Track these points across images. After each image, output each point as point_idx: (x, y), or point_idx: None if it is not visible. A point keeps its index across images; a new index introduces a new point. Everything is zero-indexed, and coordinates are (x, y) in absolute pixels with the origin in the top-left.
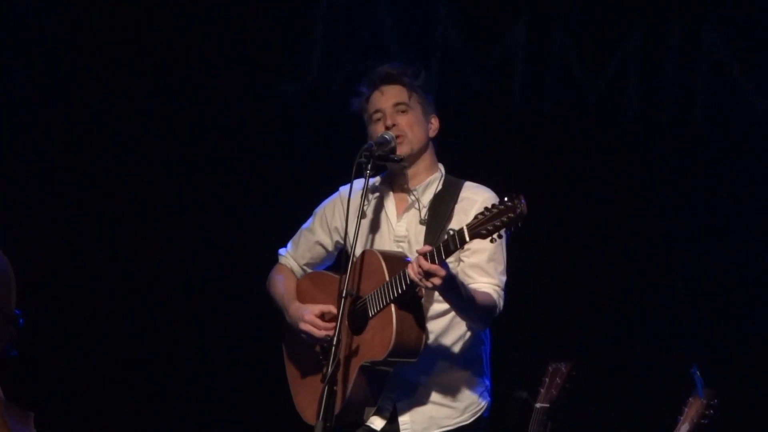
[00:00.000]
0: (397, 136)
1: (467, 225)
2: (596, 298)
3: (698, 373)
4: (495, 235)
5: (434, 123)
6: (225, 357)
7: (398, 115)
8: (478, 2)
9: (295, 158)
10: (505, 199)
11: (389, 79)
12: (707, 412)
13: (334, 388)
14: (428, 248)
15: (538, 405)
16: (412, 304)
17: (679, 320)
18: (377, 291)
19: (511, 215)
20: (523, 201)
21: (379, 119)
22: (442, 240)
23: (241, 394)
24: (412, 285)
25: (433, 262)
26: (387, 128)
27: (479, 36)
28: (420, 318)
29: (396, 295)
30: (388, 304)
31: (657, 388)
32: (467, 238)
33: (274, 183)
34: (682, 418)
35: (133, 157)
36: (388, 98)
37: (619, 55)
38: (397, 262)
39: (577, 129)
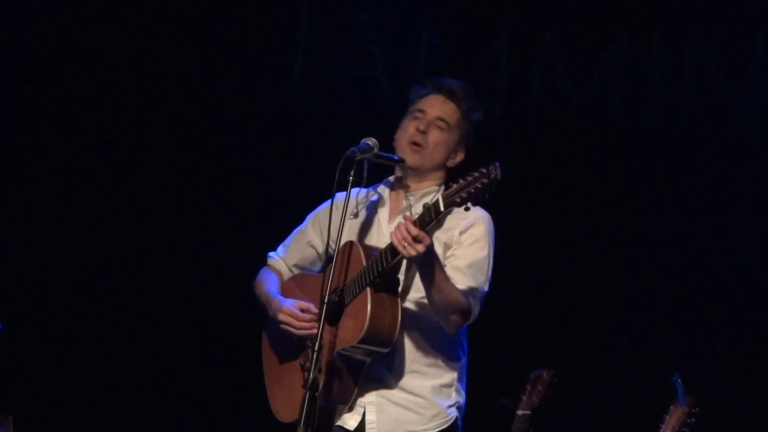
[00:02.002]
0: (417, 144)
1: (442, 194)
2: (579, 306)
3: (680, 380)
4: (469, 203)
5: (458, 156)
6: (209, 359)
7: (434, 128)
8: (461, 9)
9: (278, 163)
10: (481, 167)
11: (452, 95)
12: (689, 420)
13: (316, 394)
14: (410, 217)
15: (519, 412)
16: (389, 289)
17: (661, 328)
18: (354, 278)
19: (485, 181)
20: (498, 168)
21: (416, 118)
22: (418, 214)
23: (222, 393)
24: (389, 266)
25: None
26: (418, 130)
27: (463, 43)
28: (394, 305)
29: (372, 277)
30: (363, 288)
31: (638, 396)
32: (442, 208)
33: (257, 187)
34: (663, 425)
35: (117, 161)
36: (438, 109)
37: (604, 62)
38: (374, 248)
39: (561, 136)
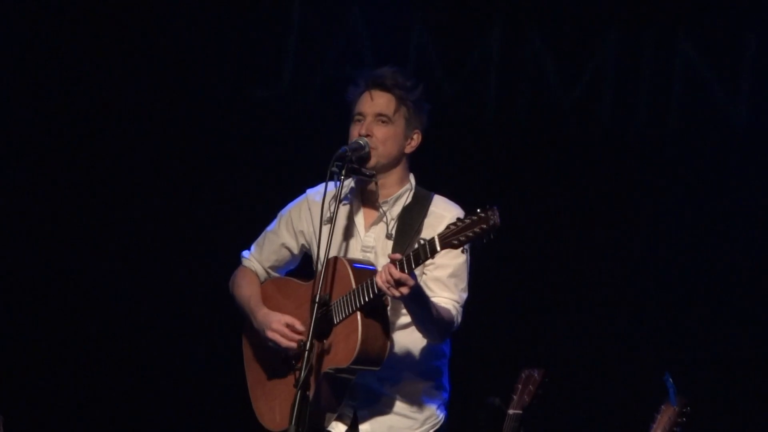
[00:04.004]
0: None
1: (439, 234)
2: (569, 305)
3: (671, 380)
4: (466, 246)
5: (415, 139)
6: (187, 358)
7: (377, 125)
8: (452, 9)
9: (268, 163)
10: (478, 210)
11: (382, 86)
12: (680, 420)
13: (307, 393)
14: (398, 256)
15: (510, 411)
16: (378, 313)
17: (652, 327)
18: (343, 298)
19: (484, 226)
20: (496, 212)
21: (358, 121)
22: (412, 249)
23: (201, 396)
24: (379, 293)
25: (402, 270)
26: (361, 135)
27: (454, 43)
28: (385, 327)
29: (362, 303)
30: (353, 312)
31: (629, 395)
32: (438, 248)
33: (247, 187)
34: (654, 425)
35: (108, 160)
36: (373, 106)
37: (594, 62)
38: (364, 270)
39: (551, 137)
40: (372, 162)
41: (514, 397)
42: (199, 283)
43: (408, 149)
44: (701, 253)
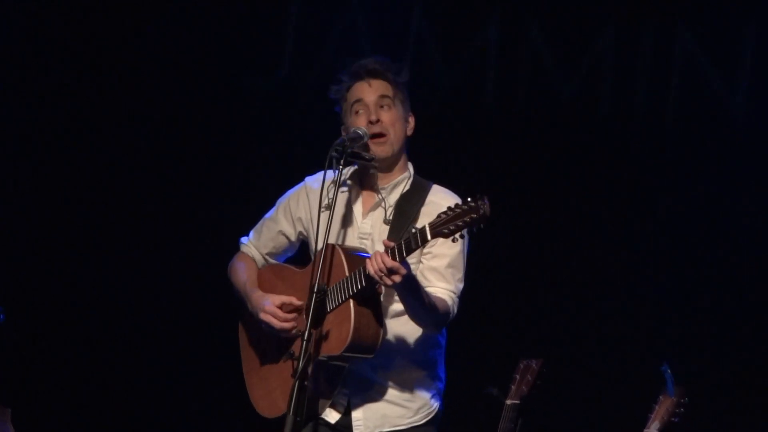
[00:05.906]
0: (381, 135)
1: (429, 223)
2: (568, 295)
3: (669, 370)
4: (457, 235)
5: (411, 122)
6: (187, 346)
7: (382, 110)
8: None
9: (265, 152)
10: (469, 199)
11: (375, 74)
12: (678, 410)
13: (305, 383)
14: (390, 244)
15: (508, 401)
16: (371, 301)
17: (650, 318)
18: (336, 286)
19: (474, 216)
20: (486, 202)
21: (359, 111)
22: (404, 238)
23: (222, 384)
24: (372, 281)
25: (393, 259)
26: (371, 122)
27: (452, 33)
28: (378, 315)
29: (355, 290)
30: (346, 300)
31: (628, 386)
32: (429, 237)
33: (244, 176)
34: (652, 415)
35: (106, 151)
36: (373, 91)
37: (593, 53)
38: (357, 258)
39: (549, 127)
40: (387, 151)
41: (512, 387)
42: (197, 272)
43: (409, 132)
44: (699, 245)
